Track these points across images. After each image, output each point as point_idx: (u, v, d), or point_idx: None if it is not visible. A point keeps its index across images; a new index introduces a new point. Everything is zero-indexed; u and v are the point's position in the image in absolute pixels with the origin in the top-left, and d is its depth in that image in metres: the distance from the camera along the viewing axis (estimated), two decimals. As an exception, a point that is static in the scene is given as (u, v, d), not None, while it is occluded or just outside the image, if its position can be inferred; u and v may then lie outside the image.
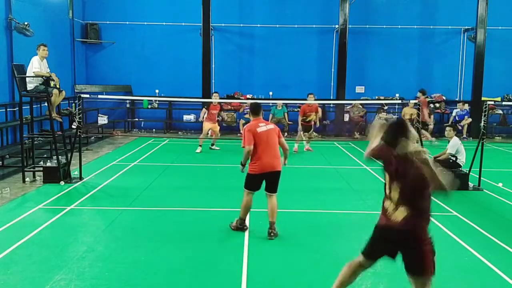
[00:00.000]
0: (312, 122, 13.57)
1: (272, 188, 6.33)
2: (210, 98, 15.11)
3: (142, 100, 18.38)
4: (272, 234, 6.31)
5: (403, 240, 3.69)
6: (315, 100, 13.55)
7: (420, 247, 3.65)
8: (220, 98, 16.31)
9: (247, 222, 6.68)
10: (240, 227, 6.53)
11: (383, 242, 3.86)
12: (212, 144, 13.84)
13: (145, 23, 18.53)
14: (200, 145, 13.32)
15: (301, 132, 13.57)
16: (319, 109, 15.56)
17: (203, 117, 13.66)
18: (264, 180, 6.31)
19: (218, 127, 13.83)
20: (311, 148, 13.97)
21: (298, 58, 18.76)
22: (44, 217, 7.12)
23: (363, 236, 6.26)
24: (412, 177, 3.57)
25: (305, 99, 13.45)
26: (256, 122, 6.37)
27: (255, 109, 6.48)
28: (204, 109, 13.74)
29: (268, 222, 6.36)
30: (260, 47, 18.90)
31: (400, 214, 3.65)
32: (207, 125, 13.32)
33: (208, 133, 13.62)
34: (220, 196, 8.52)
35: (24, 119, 10.25)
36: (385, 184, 3.85)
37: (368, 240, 3.97)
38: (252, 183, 6.31)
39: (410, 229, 3.63)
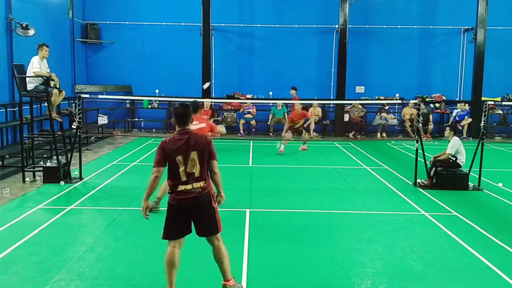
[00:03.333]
0: (301, 128, 13.62)
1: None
2: (210, 98, 15.11)
3: (142, 100, 18.38)
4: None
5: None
6: (302, 100, 13.26)
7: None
8: (221, 98, 16.33)
9: (247, 220, 6.65)
10: (154, 206, 6.99)
11: (182, 217, 4.51)
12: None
13: (145, 23, 18.53)
14: None
15: (288, 134, 13.33)
16: (311, 109, 15.55)
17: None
18: None
19: (220, 128, 13.39)
20: (306, 147, 13.90)
21: (298, 58, 18.76)
22: (44, 217, 7.12)
23: (363, 236, 6.28)
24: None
25: (305, 99, 13.44)
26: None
27: (194, 108, 6.86)
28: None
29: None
30: (260, 47, 18.91)
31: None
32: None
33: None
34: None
35: (24, 119, 10.25)
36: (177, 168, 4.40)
37: (166, 225, 4.61)
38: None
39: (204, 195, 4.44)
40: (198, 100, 13.32)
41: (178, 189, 4.36)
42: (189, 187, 4.33)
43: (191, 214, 4.43)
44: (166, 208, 4.56)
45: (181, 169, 4.32)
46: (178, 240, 4.57)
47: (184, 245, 4.67)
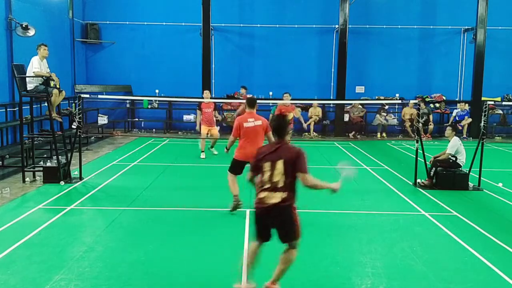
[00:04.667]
0: (291, 123, 12.92)
1: None
2: (210, 97, 15.04)
3: (142, 100, 18.38)
4: (236, 203, 7.32)
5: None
6: (291, 99, 13.04)
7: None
8: (221, 98, 16.33)
9: (247, 220, 6.66)
10: (236, 203, 7.23)
11: (266, 224, 4.53)
12: (212, 146, 13.37)
13: (145, 23, 18.53)
14: (203, 151, 12.59)
15: None
16: (296, 109, 15.48)
17: (198, 124, 12.85)
18: (245, 166, 6.98)
19: (217, 130, 13.09)
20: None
21: (298, 58, 18.76)
22: (44, 217, 7.12)
23: (363, 236, 6.28)
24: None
25: (305, 99, 13.45)
26: (247, 116, 7.24)
27: (250, 103, 7.34)
28: (198, 112, 12.95)
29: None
30: (260, 47, 18.91)
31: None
32: (204, 129, 12.59)
33: (207, 136, 12.79)
34: (220, 196, 8.50)
35: (24, 119, 10.25)
36: (263, 174, 4.43)
37: (254, 228, 4.59)
38: (233, 166, 7.29)
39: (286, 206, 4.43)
40: (200, 100, 13.36)
41: (259, 196, 4.42)
42: (269, 194, 4.34)
43: (270, 223, 4.49)
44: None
45: (266, 175, 4.36)
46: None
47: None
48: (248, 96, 13.12)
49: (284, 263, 4.55)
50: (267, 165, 4.35)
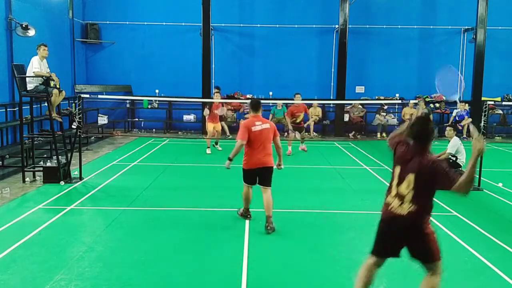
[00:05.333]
0: (302, 123, 13.37)
1: (264, 182, 6.54)
2: (210, 98, 15.08)
3: (142, 100, 18.38)
4: (269, 228, 6.44)
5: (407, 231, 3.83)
6: (302, 100, 13.33)
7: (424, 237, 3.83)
8: (221, 98, 16.29)
9: (246, 220, 6.67)
10: (245, 214, 6.96)
11: (389, 236, 3.98)
12: (216, 143, 13.76)
13: (145, 23, 18.53)
14: (209, 146, 13.21)
15: (293, 133, 13.36)
16: (311, 109, 15.57)
17: (207, 114, 13.17)
18: (257, 174, 6.57)
19: (221, 126, 13.63)
20: (305, 148, 13.80)
21: (298, 58, 18.76)
22: (44, 217, 7.12)
23: (363, 236, 6.27)
24: (428, 173, 3.74)
25: (306, 99, 13.44)
26: (254, 119, 6.57)
27: (255, 106, 6.68)
28: (207, 109, 13.26)
29: (265, 217, 6.47)
30: (260, 47, 18.91)
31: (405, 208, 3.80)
32: (210, 126, 13.06)
33: (214, 133, 13.27)
34: (220, 196, 8.52)
35: (24, 119, 10.25)
36: (393, 177, 3.92)
37: (375, 238, 4.05)
38: (246, 177, 6.66)
39: (414, 222, 3.79)
40: (208, 100, 13.46)
41: (386, 200, 3.95)
42: (396, 202, 3.81)
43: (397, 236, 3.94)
44: None
45: (395, 181, 3.87)
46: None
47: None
48: (215, 96, 13.24)
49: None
50: (396, 170, 3.84)
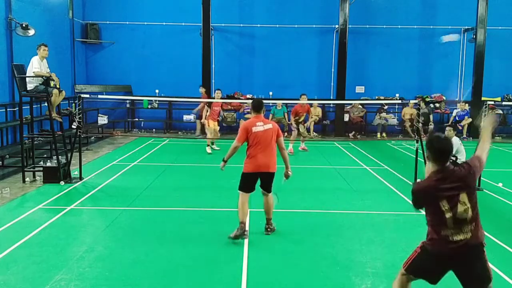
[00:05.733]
0: (303, 123, 13.59)
1: (266, 187, 6.35)
2: (211, 97, 15.14)
3: (142, 100, 18.38)
4: (269, 229, 6.43)
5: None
6: (308, 100, 13.52)
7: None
8: (221, 98, 16.32)
9: (247, 220, 6.65)
10: (240, 232, 6.08)
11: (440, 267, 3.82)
12: (212, 143, 13.77)
13: (145, 23, 18.53)
14: (209, 145, 13.25)
15: (295, 130, 13.45)
16: (311, 109, 15.59)
17: (205, 116, 13.26)
18: (258, 179, 6.25)
19: (218, 127, 13.71)
20: (306, 147, 13.84)
21: (298, 58, 18.76)
22: (44, 217, 7.12)
23: (363, 236, 6.27)
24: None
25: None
26: (255, 120, 6.24)
27: (256, 106, 6.33)
28: (206, 107, 13.35)
29: (265, 219, 6.46)
30: (260, 47, 18.91)
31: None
32: (211, 123, 13.10)
33: (213, 132, 13.29)
34: (221, 196, 8.52)
35: (24, 119, 10.25)
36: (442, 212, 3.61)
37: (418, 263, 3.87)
38: (244, 183, 6.19)
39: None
40: (210, 100, 13.53)
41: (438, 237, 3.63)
42: (455, 232, 3.54)
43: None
44: None
45: (447, 217, 3.55)
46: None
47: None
48: (216, 95, 13.33)
49: None
50: (444, 204, 3.52)
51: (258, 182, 6.34)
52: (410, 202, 3.83)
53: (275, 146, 6.29)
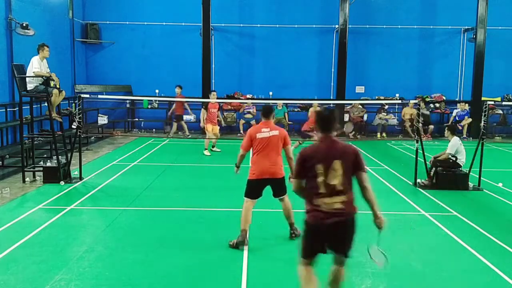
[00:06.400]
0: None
1: (278, 193, 6.19)
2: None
3: (142, 100, 18.38)
4: (293, 235, 6.24)
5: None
6: (302, 100, 13.10)
7: None
8: (221, 98, 16.36)
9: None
10: (241, 240, 5.93)
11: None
12: (213, 146, 13.74)
13: (145, 23, 18.53)
14: (206, 149, 13.09)
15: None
16: (311, 109, 15.49)
17: (203, 120, 13.27)
18: (265, 186, 6.13)
19: (218, 128, 13.65)
20: None
21: (298, 58, 18.76)
22: (44, 217, 7.12)
23: (363, 236, 6.27)
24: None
25: (305, 99, 13.41)
26: (261, 126, 6.17)
27: (265, 112, 6.28)
28: (203, 110, 13.46)
29: (288, 224, 6.31)
30: (260, 47, 18.91)
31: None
32: (209, 127, 13.02)
33: (212, 135, 13.24)
34: (221, 196, 8.52)
35: (24, 119, 10.25)
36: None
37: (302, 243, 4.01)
38: (250, 189, 6.09)
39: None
40: (206, 100, 13.52)
41: (315, 203, 3.82)
42: (327, 200, 3.76)
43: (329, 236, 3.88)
44: None
45: (320, 179, 3.78)
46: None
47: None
48: (211, 96, 13.16)
49: (337, 283, 4.02)
50: (319, 167, 3.77)
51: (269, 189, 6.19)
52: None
53: (281, 153, 6.16)
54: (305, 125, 13.15)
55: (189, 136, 15.99)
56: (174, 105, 16.26)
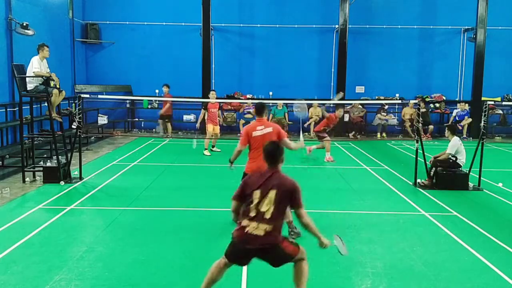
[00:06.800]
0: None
1: None
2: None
3: (142, 100, 18.38)
4: (292, 233, 6.31)
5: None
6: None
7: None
8: (220, 98, 16.35)
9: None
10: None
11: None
12: (213, 146, 13.74)
13: (145, 23, 18.53)
14: (206, 149, 13.07)
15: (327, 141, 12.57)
16: (311, 109, 15.35)
17: (200, 121, 13.23)
18: None
19: (219, 128, 13.63)
20: (332, 158, 12.47)
21: (298, 58, 18.76)
22: (44, 217, 7.12)
23: (363, 236, 6.27)
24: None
25: (306, 99, 13.29)
26: (256, 124, 6.45)
27: (258, 110, 6.54)
28: (202, 111, 13.51)
29: (286, 223, 6.34)
30: (260, 47, 18.91)
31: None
32: (210, 127, 13.00)
33: (213, 135, 13.27)
34: (221, 196, 8.51)
35: (24, 119, 10.25)
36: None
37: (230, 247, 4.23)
38: None
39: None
40: (205, 100, 13.50)
41: (243, 223, 4.08)
42: (253, 225, 3.98)
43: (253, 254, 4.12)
44: None
45: (254, 203, 4.02)
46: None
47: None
48: (211, 96, 13.10)
49: (299, 278, 4.21)
50: (257, 193, 4.01)
51: None
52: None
53: None
54: (318, 126, 12.94)
55: (169, 138, 15.82)
56: (168, 104, 15.92)
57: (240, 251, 4.10)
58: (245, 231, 3.99)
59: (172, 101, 16.22)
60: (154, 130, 16.20)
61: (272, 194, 3.98)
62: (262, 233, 3.95)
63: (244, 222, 4.04)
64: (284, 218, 4.13)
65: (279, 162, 4.18)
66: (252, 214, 4.00)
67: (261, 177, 4.11)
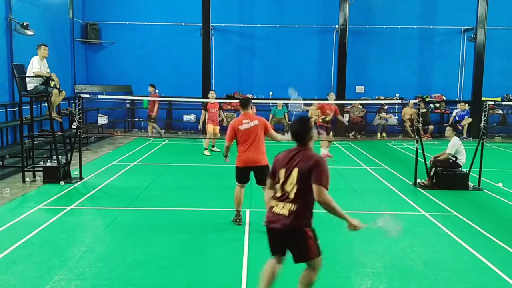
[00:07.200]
0: (330, 124, 12.43)
1: (261, 180, 6.49)
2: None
3: (142, 100, 18.37)
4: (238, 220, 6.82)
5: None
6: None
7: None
8: (221, 98, 16.35)
9: (247, 220, 6.66)
10: (235, 218, 6.81)
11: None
12: (213, 146, 13.73)
13: (145, 23, 18.53)
14: (206, 149, 13.04)
15: (323, 135, 12.26)
16: (311, 109, 15.15)
17: (202, 122, 13.26)
18: (250, 173, 6.65)
19: (218, 127, 13.54)
20: (330, 155, 12.40)
21: (298, 58, 18.77)
22: (44, 217, 7.12)
23: (363, 236, 6.28)
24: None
25: (305, 99, 13.27)
26: (242, 118, 6.65)
27: (243, 103, 6.77)
28: (203, 111, 13.45)
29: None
30: (260, 47, 18.91)
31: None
32: (210, 128, 12.95)
33: (212, 136, 13.21)
34: (221, 196, 8.51)
35: (24, 119, 10.25)
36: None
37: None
38: (238, 175, 6.73)
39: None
40: (205, 100, 13.50)
41: (270, 204, 4.02)
42: (280, 204, 3.91)
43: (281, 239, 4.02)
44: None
45: (279, 183, 3.95)
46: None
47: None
48: (210, 96, 13.09)
49: (303, 284, 4.14)
50: (282, 172, 3.93)
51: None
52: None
53: (263, 140, 6.63)
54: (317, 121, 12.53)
55: (152, 139, 15.78)
56: (156, 105, 15.74)
57: (270, 234, 4.02)
58: (272, 211, 3.96)
59: (160, 101, 16.24)
60: (158, 132, 16.27)
61: (294, 173, 3.86)
62: (287, 213, 3.85)
63: (273, 203, 4.00)
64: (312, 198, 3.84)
65: (308, 140, 3.97)
66: (278, 194, 3.95)
67: (287, 155, 3.99)
